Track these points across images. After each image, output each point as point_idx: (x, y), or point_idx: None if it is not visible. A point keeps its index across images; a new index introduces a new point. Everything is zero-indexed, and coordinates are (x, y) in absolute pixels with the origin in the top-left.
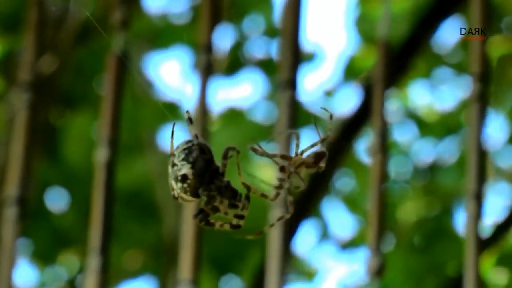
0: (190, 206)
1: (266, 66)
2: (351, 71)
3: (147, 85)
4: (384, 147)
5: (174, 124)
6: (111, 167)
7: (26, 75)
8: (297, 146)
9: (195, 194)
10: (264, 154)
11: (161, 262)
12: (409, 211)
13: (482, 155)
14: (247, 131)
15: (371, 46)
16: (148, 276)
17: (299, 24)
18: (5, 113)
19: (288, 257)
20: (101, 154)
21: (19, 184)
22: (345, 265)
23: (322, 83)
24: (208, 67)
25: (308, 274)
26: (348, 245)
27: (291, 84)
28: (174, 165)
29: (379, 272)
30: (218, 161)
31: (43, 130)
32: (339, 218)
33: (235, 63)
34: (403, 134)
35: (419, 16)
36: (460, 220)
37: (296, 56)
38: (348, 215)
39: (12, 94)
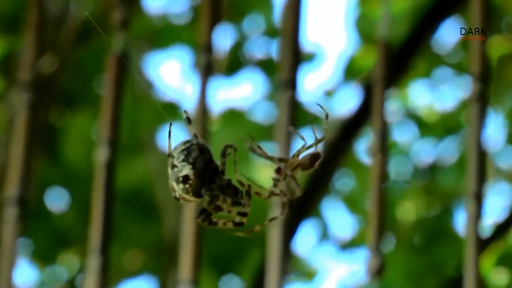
0: (190, 206)
1: (266, 66)
2: (351, 71)
3: (147, 85)
4: (384, 147)
5: (171, 124)
6: (111, 167)
7: (26, 75)
8: (304, 147)
9: (197, 194)
10: (261, 154)
11: (161, 262)
12: (409, 211)
13: (482, 155)
14: (247, 131)
15: (371, 46)
16: (148, 276)
17: (299, 24)
18: (5, 113)
19: (288, 257)
20: (101, 154)
21: (19, 184)
22: (345, 265)
23: (322, 83)
24: (208, 67)
25: (308, 274)
26: (348, 245)
27: (291, 84)
28: (174, 166)
29: (379, 272)
30: (217, 160)
31: (43, 130)
32: (339, 218)
33: (235, 63)
34: (403, 134)
35: (419, 16)
36: (460, 220)
37: (296, 56)
38: (348, 215)
39: (12, 94)
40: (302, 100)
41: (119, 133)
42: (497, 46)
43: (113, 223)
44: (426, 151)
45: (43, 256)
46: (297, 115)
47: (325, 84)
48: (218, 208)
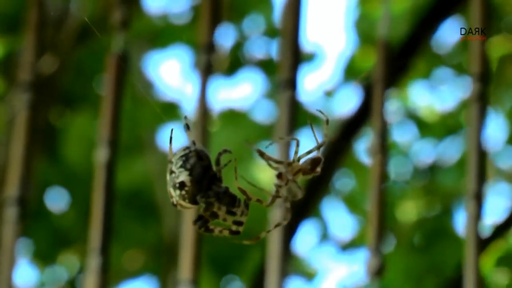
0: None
1: (266, 66)
2: (351, 71)
3: (147, 85)
4: (384, 147)
5: (172, 130)
6: (111, 167)
7: (26, 75)
8: (296, 153)
9: (194, 201)
10: (267, 159)
11: (161, 262)
12: (409, 211)
13: (482, 155)
14: (247, 131)
15: (371, 46)
16: (148, 276)
17: (299, 24)
18: (5, 113)
19: (288, 258)
20: (101, 154)
21: (19, 184)
22: (345, 266)
23: (322, 83)
24: (208, 67)
25: (308, 275)
26: (348, 246)
27: (291, 84)
28: (172, 172)
29: (379, 272)
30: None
31: (43, 130)
32: (339, 218)
33: (235, 63)
34: (403, 135)
35: (419, 16)
36: (460, 220)
37: (296, 56)
38: (348, 215)
39: (13, 95)
40: (302, 100)
41: (119, 133)
42: (497, 46)
43: (113, 223)
44: (426, 151)
45: (43, 256)
46: (297, 115)
47: (325, 84)
48: (214, 215)
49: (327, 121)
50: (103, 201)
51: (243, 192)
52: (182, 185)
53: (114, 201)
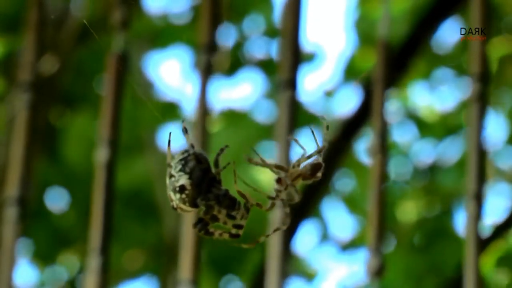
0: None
1: (266, 66)
2: (351, 71)
3: (147, 85)
4: (384, 147)
5: (170, 134)
6: (111, 167)
7: (26, 75)
8: (304, 156)
9: (194, 204)
10: (261, 164)
11: (161, 262)
12: (409, 211)
13: (482, 155)
14: (247, 131)
15: (371, 46)
16: (148, 276)
17: (299, 24)
18: (6, 114)
19: (288, 258)
20: (101, 154)
21: (19, 184)
22: (345, 266)
23: (322, 83)
24: (208, 67)
25: (308, 275)
26: (348, 246)
27: (291, 84)
28: (171, 176)
29: (379, 272)
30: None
31: (43, 130)
32: (339, 218)
33: (235, 63)
34: (403, 135)
35: (419, 16)
36: (460, 220)
37: (296, 56)
38: (348, 215)
39: (13, 95)
40: (302, 100)
41: (119, 133)
42: (498, 47)
43: (113, 223)
44: (426, 152)
45: (43, 256)
46: (297, 115)
47: (325, 84)
48: (215, 218)
49: (327, 127)
50: (103, 201)
51: (243, 195)
52: (182, 189)
53: (114, 201)
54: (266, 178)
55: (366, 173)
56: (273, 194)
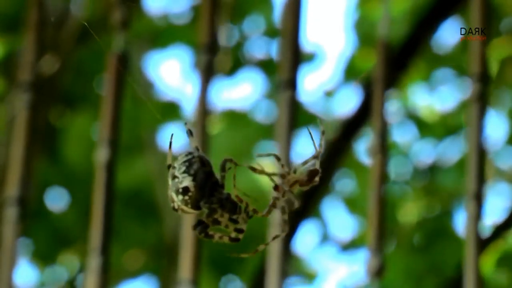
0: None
1: (266, 66)
2: (351, 72)
3: (147, 85)
4: (384, 147)
5: (172, 135)
6: (111, 167)
7: (26, 75)
8: (285, 167)
9: (196, 207)
10: (260, 172)
11: (162, 262)
12: (409, 211)
13: (482, 156)
14: (247, 131)
15: (371, 46)
16: (148, 276)
17: (299, 24)
18: (6, 113)
19: (288, 258)
20: (101, 154)
21: (19, 184)
22: (345, 266)
23: (322, 83)
24: (208, 67)
25: (309, 275)
26: (348, 246)
27: (291, 84)
28: (174, 177)
29: (379, 272)
30: (218, 173)
31: (43, 130)
32: (339, 218)
33: (235, 63)
34: (403, 135)
35: (419, 16)
36: (460, 221)
37: (296, 56)
38: (348, 215)
39: (13, 95)
40: (302, 100)
41: (119, 133)
42: (497, 47)
43: (113, 223)
44: (426, 152)
45: (43, 256)
46: (297, 115)
47: (325, 84)
48: (216, 222)
49: (323, 132)
50: (103, 201)
51: (241, 200)
52: (185, 190)
53: (114, 201)
54: (266, 179)
55: (366, 173)
56: (271, 202)
